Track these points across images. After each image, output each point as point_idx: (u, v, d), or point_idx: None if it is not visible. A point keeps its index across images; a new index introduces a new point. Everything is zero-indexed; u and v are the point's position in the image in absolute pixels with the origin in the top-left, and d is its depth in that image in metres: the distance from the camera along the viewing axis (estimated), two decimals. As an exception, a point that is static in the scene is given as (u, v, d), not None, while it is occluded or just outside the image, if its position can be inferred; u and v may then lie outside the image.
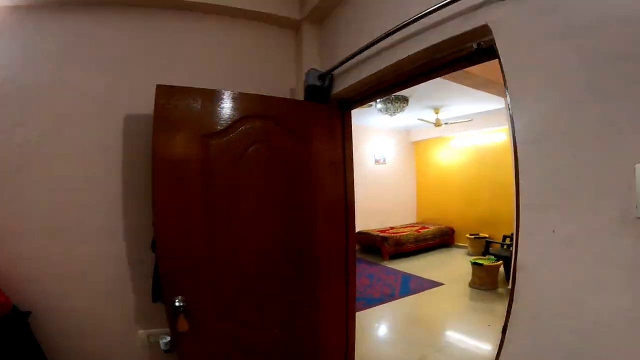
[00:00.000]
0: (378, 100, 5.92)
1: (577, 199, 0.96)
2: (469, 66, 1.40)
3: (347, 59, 1.76)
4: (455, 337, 3.79)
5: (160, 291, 1.67)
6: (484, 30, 1.18)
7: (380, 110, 6.04)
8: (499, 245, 6.08)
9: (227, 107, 1.77)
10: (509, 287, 4.53)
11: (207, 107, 1.73)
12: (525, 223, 1.14)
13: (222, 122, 1.76)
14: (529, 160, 1.11)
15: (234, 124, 1.78)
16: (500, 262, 5.17)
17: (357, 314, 4.43)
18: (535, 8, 1.03)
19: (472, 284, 5.20)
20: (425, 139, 8.87)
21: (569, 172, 0.97)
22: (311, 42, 2.22)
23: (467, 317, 4.19)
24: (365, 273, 6.32)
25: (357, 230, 8.04)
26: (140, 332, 1.92)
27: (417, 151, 9.32)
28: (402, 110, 5.97)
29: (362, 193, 8.46)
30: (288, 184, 1.92)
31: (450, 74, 1.69)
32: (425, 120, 6.70)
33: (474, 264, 5.14)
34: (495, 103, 6.22)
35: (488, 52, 1.25)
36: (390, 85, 1.80)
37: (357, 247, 8.12)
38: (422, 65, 1.54)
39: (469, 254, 7.27)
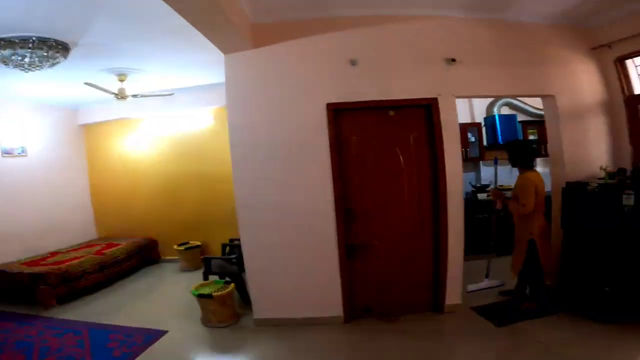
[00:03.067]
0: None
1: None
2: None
3: None
4: None
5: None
6: None
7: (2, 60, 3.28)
8: (221, 260, 4.89)
9: None
10: (255, 316, 3.57)
11: None
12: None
13: None
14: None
15: None
16: (232, 285, 3.93)
17: None
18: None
19: (206, 322, 3.71)
20: (103, 121, 6.26)
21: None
22: None
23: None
24: (11, 342, 3.45)
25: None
26: None
27: (88, 138, 6.53)
28: (51, 64, 3.46)
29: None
30: None
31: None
32: (99, 88, 4.34)
33: (200, 296, 3.67)
34: (208, 73, 4.84)
35: None
36: None
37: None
38: None
39: (183, 270, 5.73)
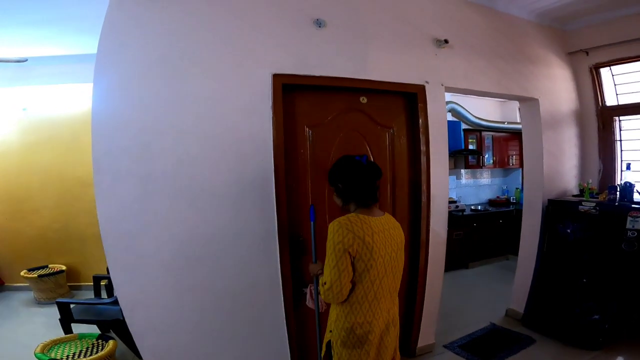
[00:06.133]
0: None
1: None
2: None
3: None
4: None
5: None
6: None
7: None
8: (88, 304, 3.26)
9: None
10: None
11: None
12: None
13: None
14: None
15: None
16: (111, 342, 2.48)
17: None
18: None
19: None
20: None
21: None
22: None
23: None
24: None
25: None
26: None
27: None
28: None
29: None
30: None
31: None
32: None
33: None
34: (84, 38, 3.10)
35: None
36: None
37: None
38: None
39: (38, 301, 3.92)
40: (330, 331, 1.49)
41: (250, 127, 2.01)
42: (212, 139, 1.95)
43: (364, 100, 2.36)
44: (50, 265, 4.13)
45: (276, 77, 2.04)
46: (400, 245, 1.50)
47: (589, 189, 2.92)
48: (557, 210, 2.90)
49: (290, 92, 2.14)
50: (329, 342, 1.50)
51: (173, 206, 1.91)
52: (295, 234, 2.21)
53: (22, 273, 3.95)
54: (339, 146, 2.29)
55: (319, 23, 2.17)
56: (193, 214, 1.94)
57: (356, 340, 1.41)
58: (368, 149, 2.35)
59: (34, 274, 3.92)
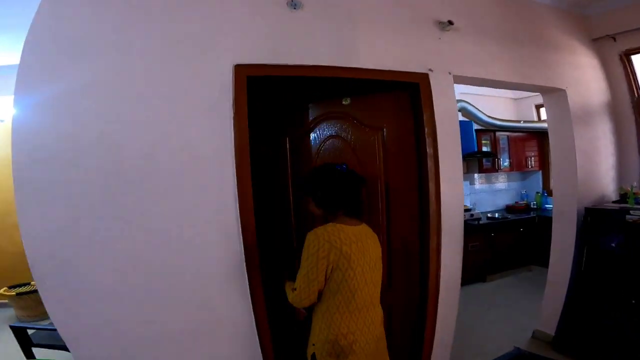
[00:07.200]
0: None
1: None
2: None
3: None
4: None
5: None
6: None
7: None
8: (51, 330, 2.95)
9: None
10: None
11: None
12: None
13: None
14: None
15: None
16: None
17: None
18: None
19: None
20: None
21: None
22: None
23: None
24: None
25: None
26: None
27: None
28: None
29: None
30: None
31: None
32: None
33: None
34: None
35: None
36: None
37: None
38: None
39: (19, 319, 3.65)
40: (314, 344, 1.48)
41: (205, 131, 1.60)
42: (158, 148, 1.55)
43: (346, 101, 1.96)
44: (32, 283, 3.83)
45: (239, 69, 1.63)
46: (378, 255, 1.52)
47: (634, 193, 2.41)
48: (598, 220, 2.41)
49: (258, 92, 1.74)
50: (313, 355, 1.49)
51: (112, 228, 1.52)
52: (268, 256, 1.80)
53: (1, 290, 3.68)
54: (322, 154, 1.89)
55: (293, 4, 1.77)
56: (138, 238, 1.55)
57: (340, 351, 1.41)
58: (354, 155, 1.93)
59: (13, 292, 3.64)
